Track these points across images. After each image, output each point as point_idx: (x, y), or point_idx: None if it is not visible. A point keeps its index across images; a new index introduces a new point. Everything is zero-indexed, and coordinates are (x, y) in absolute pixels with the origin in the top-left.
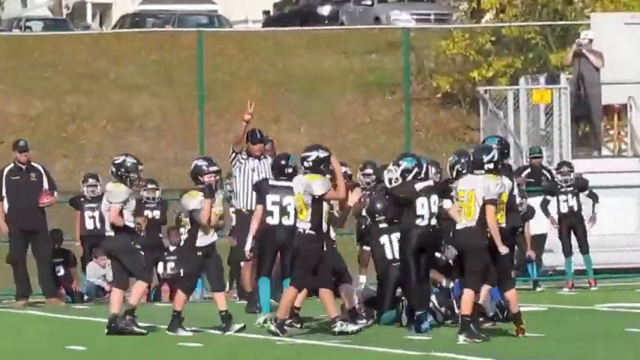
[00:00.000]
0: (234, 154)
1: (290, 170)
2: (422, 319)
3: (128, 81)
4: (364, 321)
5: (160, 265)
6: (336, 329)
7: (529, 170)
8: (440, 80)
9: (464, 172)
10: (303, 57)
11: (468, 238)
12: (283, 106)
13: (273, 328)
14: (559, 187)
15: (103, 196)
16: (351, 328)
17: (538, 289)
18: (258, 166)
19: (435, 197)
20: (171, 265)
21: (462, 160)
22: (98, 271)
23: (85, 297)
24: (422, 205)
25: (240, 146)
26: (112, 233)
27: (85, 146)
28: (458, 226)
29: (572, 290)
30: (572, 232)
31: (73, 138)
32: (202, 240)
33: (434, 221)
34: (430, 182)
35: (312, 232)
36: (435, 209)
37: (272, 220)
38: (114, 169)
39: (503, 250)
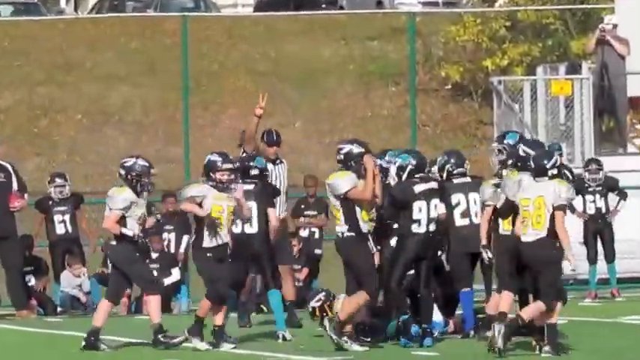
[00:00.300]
0: (245, 155)
1: (256, 172)
2: (407, 324)
3: (106, 71)
4: (369, 339)
5: None
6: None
7: None
8: (449, 70)
9: (454, 172)
10: (298, 44)
11: (541, 249)
12: (276, 98)
13: (333, 334)
14: (586, 186)
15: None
16: (355, 347)
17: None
18: (273, 170)
19: (436, 201)
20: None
21: (452, 160)
22: (72, 280)
23: (59, 309)
24: (419, 210)
25: (251, 146)
26: (114, 242)
27: (58, 142)
28: (525, 238)
29: (594, 301)
30: (597, 238)
31: (46, 133)
32: (211, 241)
33: (432, 227)
34: (433, 184)
35: (351, 233)
36: (434, 214)
37: (235, 229)
38: (122, 173)
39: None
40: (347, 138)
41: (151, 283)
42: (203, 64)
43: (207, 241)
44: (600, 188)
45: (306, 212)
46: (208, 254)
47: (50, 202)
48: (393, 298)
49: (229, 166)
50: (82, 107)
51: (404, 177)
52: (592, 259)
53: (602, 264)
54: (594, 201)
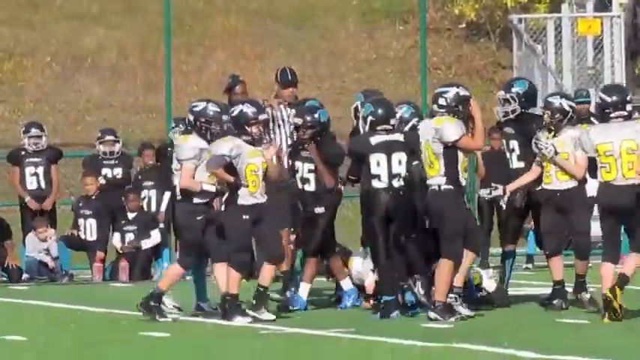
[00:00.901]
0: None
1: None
2: (389, 307)
3: (77, 9)
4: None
5: (117, 236)
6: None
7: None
8: (463, 7)
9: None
10: None
11: None
12: (269, 39)
13: (433, 315)
14: None
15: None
16: (465, 312)
17: None
18: (290, 115)
19: (400, 155)
20: (130, 236)
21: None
22: (38, 244)
23: (25, 275)
24: (377, 163)
25: None
26: (179, 198)
27: (24, 89)
28: None
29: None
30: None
31: (10, 79)
32: (247, 198)
33: (397, 183)
34: (397, 136)
35: (449, 187)
36: (399, 170)
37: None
38: (191, 118)
39: None
40: (448, 82)
41: (184, 255)
42: (187, 2)
43: (245, 198)
44: None
45: None
46: (245, 216)
47: (23, 154)
48: (384, 272)
49: (265, 117)
50: (50, 50)
51: (366, 128)
52: None
53: None
54: None
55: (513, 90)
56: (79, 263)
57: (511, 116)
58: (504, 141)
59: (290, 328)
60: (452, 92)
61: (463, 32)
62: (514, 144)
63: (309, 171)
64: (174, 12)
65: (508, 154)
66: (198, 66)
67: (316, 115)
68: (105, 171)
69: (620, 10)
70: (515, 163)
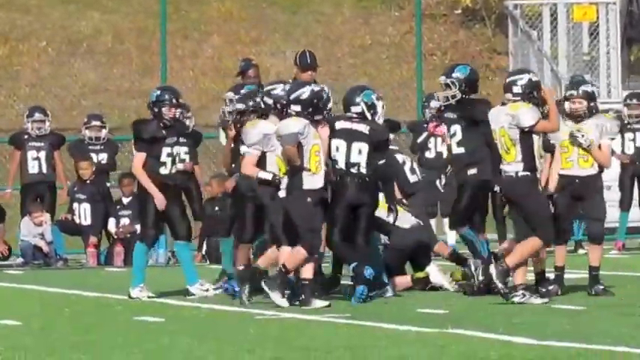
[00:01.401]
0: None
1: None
2: (359, 271)
3: None
4: (552, 288)
5: (112, 221)
6: (516, 300)
7: None
8: None
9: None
10: None
11: None
12: (265, 24)
13: (492, 270)
14: (625, 123)
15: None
16: (536, 301)
17: (580, 252)
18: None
19: (361, 145)
20: (125, 221)
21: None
22: (33, 228)
23: (20, 259)
24: (336, 149)
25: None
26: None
27: (19, 73)
28: None
29: (622, 253)
30: (635, 181)
31: (6, 63)
32: (310, 181)
33: (355, 170)
34: (361, 127)
35: (526, 173)
36: (358, 159)
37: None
38: (269, 102)
39: None
40: (517, 69)
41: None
42: None
43: (309, 182)
44: None
45: None
46: (308, 199)
47: (25, 137)
48: (341, 247)
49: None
50: (46, 34)
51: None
52: (626, 205)
53: (634, 210)
54: (634, 139)
55: (454, 75)
56: (74, 248)
57: (451, 101)
58: (445, 126)
59: (285, 314)
60: (525, 79)
61: (459, 18)
62: (456, 128)
63: None
64: None
65: (449, 140)
66: (194, 50)
67: (257, 100)
68: (90, 156)
69: None
70: (455, 149)
